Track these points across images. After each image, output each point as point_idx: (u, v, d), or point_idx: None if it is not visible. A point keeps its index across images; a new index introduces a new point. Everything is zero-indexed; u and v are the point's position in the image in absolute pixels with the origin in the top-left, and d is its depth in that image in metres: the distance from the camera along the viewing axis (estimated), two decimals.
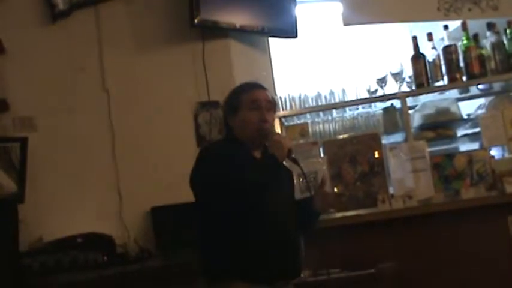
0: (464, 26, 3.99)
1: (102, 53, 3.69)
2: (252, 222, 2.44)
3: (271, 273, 2.48)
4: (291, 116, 4.02)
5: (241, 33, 3.78)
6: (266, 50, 4.13)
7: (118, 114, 3.63)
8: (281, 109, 4.04)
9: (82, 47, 3.68)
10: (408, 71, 4.00)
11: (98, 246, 3.24)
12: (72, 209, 3.46)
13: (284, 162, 2.57)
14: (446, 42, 3.98)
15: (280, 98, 4.04)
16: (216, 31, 3.67)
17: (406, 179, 3.65)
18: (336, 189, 3.65)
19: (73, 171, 3.55)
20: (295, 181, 2.92)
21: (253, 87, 2.71)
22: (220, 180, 2.42)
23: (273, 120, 2.71)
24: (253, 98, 2.63)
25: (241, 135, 2.62)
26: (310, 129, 3.90)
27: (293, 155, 2.58)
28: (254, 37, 3.93)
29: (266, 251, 2.47)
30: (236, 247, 2.45)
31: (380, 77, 4.01)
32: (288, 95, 4.06)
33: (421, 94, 4.04)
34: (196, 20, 3.49)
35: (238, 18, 3.68)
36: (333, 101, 4.11)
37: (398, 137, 4.03)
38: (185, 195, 3.41)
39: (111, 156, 3.57)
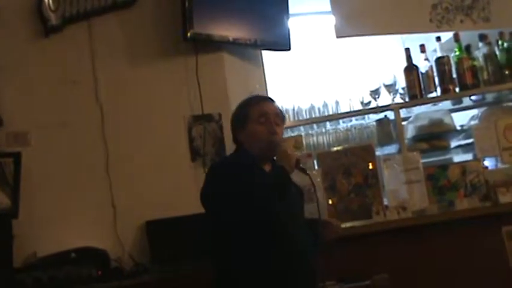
0: (456, 38, 4.01)
1: (95, 66, 3.68)
2: (270, 247, 2.40)
3: None
4: (285, 128, 4.02)
5: (235, 46, 3.79)
6: (259, 63, 4.13)
7: (111, 128, 3.63)
8: None
9: (75, 61, 3.68)
10: (401, 83, 4.02)
11: (92, 261, 3.22)
12: (66, 223, 3.44)
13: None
14: (439, 54, 4.01)
15: None
16: (209, 44, 3.67)
17: (400, 190, 3.65)
18: (330, 201, 3.65)
19: (67, 185, 3.53)
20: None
21: (261, 100, 2.70)
22: (233, 198, 2.38)
23: (282, 132, 2.69)
24: (261, 112, 2.61)
25: (250, 149, 2.60)
26: (304, 142, 3.90)
27: (301, 165, 2.57)
28: (247, 50, 3.94)
29: (286, 279, 2.43)
30: (255, 275, 2.41)
31: (373, 88, 4.02)
32: (282, 108, 4.07)
33: (414, 105, 4.06)
34: (189, 34, 3.50)
35: (231, 32, 3.69)
36: (326, 113, 4.13)
37: (392, 149, 4.03)
38: (180, 208, 3.44)
39: (105, 170, 3.56)
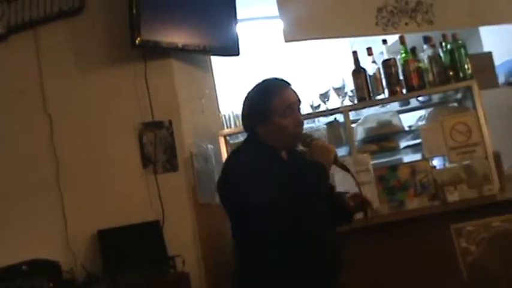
0: (402, 40, 4.09)
1: (42, 75, 3.62)
2: (298, 243, 2.35)
3: None
4: (236, 133, 4.02)
5: (183, 53, 3.77)
6: (208, 68, 4.13)
7: (61, 137, 3.56)
8: (225, 127, 4.05)
9: (21, 71, 3.60)
10: (350, 86, 4.07)
11: (43, 273, 3.16)
12: (16, 236, 3.36)
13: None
14: (386, 56, 4.07)
15: (224, 116, 4.05)
16: (158, 51, 3.65)
17: (351, 192, 3.69)
18: None
19: (16, 197, 3.46)
20: None
21: (282, 88, 2.55)
22: (269, 200, 2.29)
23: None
24: (286, 103, 2.49)
25: (271, 141, 2.50)
26: None
27: (340, 161, 2.50)
28: (196, 56, 3.93)
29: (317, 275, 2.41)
30: (282, 271, 2.38)
31: (323, 92, 4.07)
32: (232, 113, 4.08)
33: (363, 108, 4.12)
34: (137, 41, 3.47)
35: (179, 38, 3.67)
36: None
37: (342, 151, 4.08)
38: (132, 216, 3.41)
39: (55, 180, 3.50)
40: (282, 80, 2.61)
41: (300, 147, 2.58)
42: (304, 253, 2.39)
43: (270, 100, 2.51)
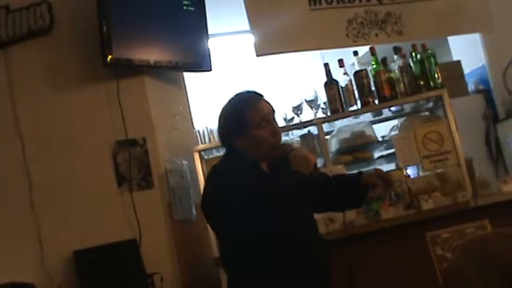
0: (372, 51, 4.12)
1: (13, 96, 3.60)
2: (286, 249, 2.39)
3: None
4: (210, 148, 4.02)
5: (156, 70, 3.78)
6: (181, 85, 4.14)
7: (34, 158, 3.54)
8: (200, 142, 4.05)
9: None
10: (323, 98, 4.09)
11: None
12: None
13: None
14: (357, 68, 4.10)
15: (198, 131, 4.05)
16: (130, 68, 3.65)
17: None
18: None
19: None
20: None
21: (255, 100, 2.58)
22: (252, 207, 2.32)
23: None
24: (261, 115, 2.52)
25: (250, 153, 2.52)
26: None
27: (319, 170, 2.54)
28: (169, 72, 3.93)
29: (301, 279, 2.42)
30: (272, 278, 2.40)
31: (295, 104, 4.08)
32: (206, 128, 4.08)
33: (336, 119, 4.13)
34: (109, 59, 3.46)
35: (151, 55, 3.67)
36: None
37: (317, 163, 4.09)
38: (108, 236, 3.39)
39: (29, 202, 3.47)
40: (255, 92, 2.65)
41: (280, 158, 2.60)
42: (289, 262, 2.42)
43: (244, 113, 2.54)
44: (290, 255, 2.43)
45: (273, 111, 2.61)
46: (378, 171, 2.81)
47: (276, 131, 2.57)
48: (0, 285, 3.12)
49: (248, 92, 2.67)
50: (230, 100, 2.66)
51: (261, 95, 2.63)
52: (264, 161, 2.60)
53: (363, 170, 4.31)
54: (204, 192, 2.60)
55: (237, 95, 2.67)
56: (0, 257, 3.36)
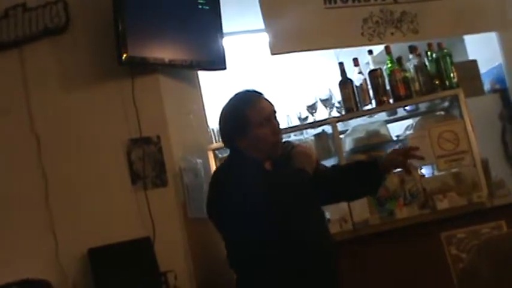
0: (387, 50, 4.10)
1: (29, 94, 3.61)
2: (293, 249, 2.40)
3: None
4: (224, 147, 4.01)
5: (170, 68, 3.78)
6: (196, 83, 4.14)
7: (49, 156, 3.55)
8: (214, 141, 4.04)
9: (7, 90, 3.60)
10: (337, 97, 4.08)
11: None
12: (6, 256, 3.34)
13: None
14: (372, 67, 4.09)
15: (213, 130, 4.04)
16: (145, 67, 3.65)
17: (341, 203, 3.70)
18: None
19: (5, 217, 3.44)
20: None
21: (255, 98, 2.59)
22: (259, 208, 2.31)
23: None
24: (262, 115, 2.53)
25: (253, 152, 2.53)
26: None
27: (322, 166, 2.56)
28: (183, 71, 3.93)
29: (311, 278, 2.42)
30: (281, 279, 2.40)
31: (310, 103, 4.07)
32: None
33: (350, 118, 4.12)
34: (123, 57, 3.46)
35: (166, 53, 3.67)
36: None
37: (331, 162, 4.06)
38: (123, 234, 3.40)
39: (44, 200, 3.48)
40: (254, 91, 2.65)
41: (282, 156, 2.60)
42: (295, 262, 2.41)
43: (245, 113, 2.54)
44: (297, 254, 2.42)
45: (274, 109, 2.61)
46: (394, 150, 2.80)
47: (277, 130, 2.57)
48: (17, 282, 3.13)
49: (247, 91, 2.68)
50: (229, 101, 2.67)
51: (260, 94, 2.63)
52: (267, 160, 2.59)
53: None
54: (209, 196, 2.59)
55: (236, 95, 2.68)
56: (16, 254, 3.37)
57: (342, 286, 2.60)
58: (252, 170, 2.50)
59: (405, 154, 2.69)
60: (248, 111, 2.54)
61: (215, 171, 2.69)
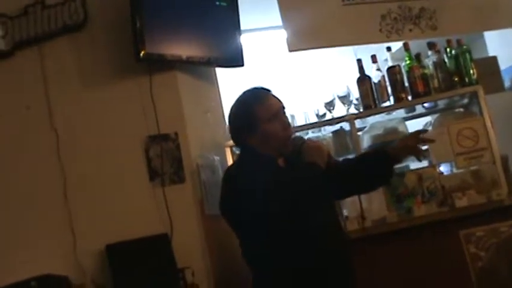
0: (406, 47, 4.08)
1: (48, 91, 3.64)
2: (308, 245, 2.39)
3: None
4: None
5: (188, 65, 3.79)
6: (214, 80, 4.14)
7: (68, 152, 3.58)
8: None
9: (27, 87, 3.63)
10: (355, 94, 4.07)
11: None
12: (25, 252, 3.37)
13: None
14: (390, 63, 4.07)
15: None
16: (163, 64, 3.66)
17: (359, 200, 3.69)
18: None
19: (24, 212, 3.47)
20: None
21: (264, 95, 2.59)
22: (272, 207, 2.31)
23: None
24: (271, 110, 2.53)
25: (263, 149, 2.52)
26: None
27: (333, 159, 2.55)
28: (201, 68, 3.94)
29: (326, 277, 2.41)
30: (294, 274, 2.39)
31: (328, 100, 4.06)
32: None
33: (368, 115, 4.10)
34: (141, 54, 3.48)
35: (184, 50, 3.68)
36: None
37: None
38: (140, 230, 3.41)
39: (63, 196, 3.51)
40: (262, 88, 2.65)
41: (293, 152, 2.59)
42: (307, 259, 2.42)
43: (254, 110, 2.54)
44: (309, 251, 2.41)
45: (282, 105, 2.60)
46: (403, 138, 2.77)
47: (287, 125, 2.57)
48: (36, 278, 3.16)
49: (255, 88, 2.68)
50: (238, 98, 2.68)
51: (269, 90, 2.63)
52: (279, 156, 2.58)
53: (395, 166, 4.30)
54: (222, 193, 2.59)
55: (244, 92, 2.68)
56: (34, 250, 3.40)
57: (356, 283, 2.59)
58: (266, 167, 2.49)
59: (415, 139, 2.67)
60: (256, 108, 2.54)
61: (227, 169, 2.69)
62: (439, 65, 4.02)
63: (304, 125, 4.13)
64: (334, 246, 2.52)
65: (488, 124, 3.84)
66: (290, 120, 4.05)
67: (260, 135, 2.53)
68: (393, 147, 2.74)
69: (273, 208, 2.31)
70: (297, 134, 3.94)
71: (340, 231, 2.69)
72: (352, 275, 2.56)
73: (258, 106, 2.54)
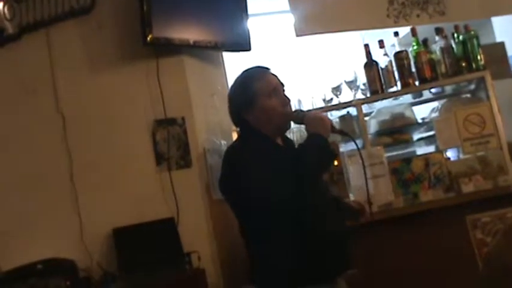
0: (413, 32, 4.07)
1: (55, 74, 3.63)
2: (304, 219, 2.39)
3: (332, 270, 2.46)
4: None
5: (195, 49, 3.77)
6: (220, 64, 4.13)
7: (74, 136, 3.57)
8: None
9: (34, 70, 3.61)
10: (362, 79, 4.06)
11: (59, 271, 3.17)
12: (31, 235, 3.38)
13: None
14: (397, 49, 4.06)
15: None
16: (170, 48, 3.66)
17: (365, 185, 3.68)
18: None
19: (30, 196, 3.47)
20: None
21: (262, 72, 2.60)
22: (272, 183, 2.31)
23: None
24: (270, 86, 2.53)
25: (263, 126, 2.52)
26: None
27: (337, 129, 2.54)
28: (208, 52, 3.93)
29: (324, 246, 2.43)
30: (294, 249, 2.40)
31: (335, 85, 4.06)
32: None
33: (375, 101, 4.10)
34: (148, 38, 3.47)
35: (191, 34, 3.67)
36: None
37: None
38: (147, 214, 3.42)
39: (69, 179, 3.50)
40: (261, 66, 2.66)
41: (294, 125, 2.59)
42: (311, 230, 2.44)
43: (252, 85, 2.55)
44: (310, 229, 2.43)
45: (281, 83, 2.60)
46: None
47: (286, 102, 2.56)
48: (43, 261, 3.17)
49: (254, 67, 2.69)
50: (237, 77, 2.69)
51: (267, 69, 2.63)
52: (279, 134, 2.58)
53: (402, 152, 4.30)
54: (222, 172, 2.59)
55: (243, 71, 2.70)
56: (41, 233, 3.41)
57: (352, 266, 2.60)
58: (264, 145, 2.50)
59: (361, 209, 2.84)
60: (255, 83, 2.55)
61: (228, 148, 2.69)
62: (446, 50, 4.01)
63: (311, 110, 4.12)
64: (332, 226, 2.53)
65: (495, 110, 3.83)
66: (297, 105, 4.11)
67: (259, 110, 2.53)
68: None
69: (272, 185, 2.32)
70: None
71: (337, 212, 2.70)
72: (349, 257, 2.58)
73: (256, 81, 2.56)
